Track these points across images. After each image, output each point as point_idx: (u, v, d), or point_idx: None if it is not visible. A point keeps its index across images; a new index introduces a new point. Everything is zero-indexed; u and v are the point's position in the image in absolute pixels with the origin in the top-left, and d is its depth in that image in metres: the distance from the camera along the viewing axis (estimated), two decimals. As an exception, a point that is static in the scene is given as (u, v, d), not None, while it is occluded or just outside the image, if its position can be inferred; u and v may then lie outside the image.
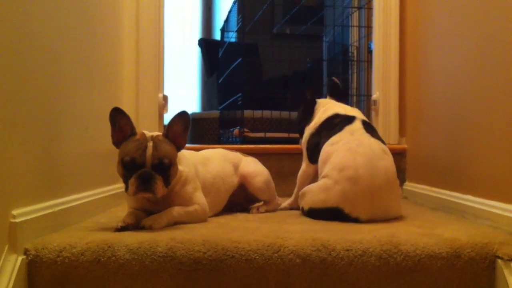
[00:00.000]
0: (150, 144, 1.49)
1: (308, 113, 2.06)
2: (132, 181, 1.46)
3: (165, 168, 1.50)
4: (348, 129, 1.82)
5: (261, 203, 2.00)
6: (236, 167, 1.94)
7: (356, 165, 1.67)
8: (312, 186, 1.80)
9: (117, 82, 2.31)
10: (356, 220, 1.65)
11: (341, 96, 2.14)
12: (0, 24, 1.19)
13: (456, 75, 1.93)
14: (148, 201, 1.60)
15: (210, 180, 1.79)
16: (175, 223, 1.56)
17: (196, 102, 5.62)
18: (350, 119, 1.87)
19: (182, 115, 1.57)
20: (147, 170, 1.47)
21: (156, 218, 1.52)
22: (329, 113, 1.96)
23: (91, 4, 1.88)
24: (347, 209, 1.65)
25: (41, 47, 1.42)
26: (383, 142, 1.82)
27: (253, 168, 1.97)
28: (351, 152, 1.72)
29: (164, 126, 2.54)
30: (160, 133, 1.57)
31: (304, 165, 2.02)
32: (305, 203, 1.79)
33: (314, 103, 2.08)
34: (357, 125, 1.84)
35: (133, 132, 1.53)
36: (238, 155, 2.01)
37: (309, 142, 1.97)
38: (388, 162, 1.73)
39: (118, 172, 1.52)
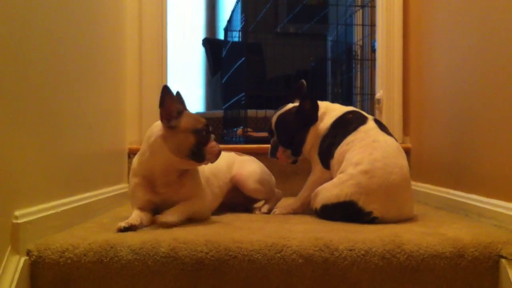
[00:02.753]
0: None
1: (311, 120, 1.89)
2: (213, 144, 1.60)
3: None
4: (362, 129, 1.79)
5: (262, 202, 2.00)
6: (229, 166, 1.94)
7: (372, 159, 1.66)
8: (326, 184, 1.75)
9: (120, 82, 2.31)
10: (369, 216, 1.61)
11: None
12: (1, 22, 1.20)
13: (460, 73, 1.92)
14: (154, 192, 1.61)
15: (206, 174, 1.78)
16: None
17: (200, 102, 5.63)
18: (363, 119, 1.84)
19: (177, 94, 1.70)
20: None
21: (170, 213, 1.55)
22: (342, 110, 1.90)
23: (93, 5, 1.88)
24: (361, 202, 1.61)
25: (43, 45, 1.42)
26: (395, 140, 1.81)
27: (245, 170, 1.94)
28: (367, 148, 1.70)
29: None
30: None
31: (317, 171, 1.87)
32: (317, 202, 1.74)
33: (317, 108, 1.89)
34: (370, 125, 1.81)
35: (180, 109, 1.60)
36: (232, 154, 2.00)
37: (321, 145, 1.87)
38: (403, 160, 1.72)
39: (186, 145, 1.55)
